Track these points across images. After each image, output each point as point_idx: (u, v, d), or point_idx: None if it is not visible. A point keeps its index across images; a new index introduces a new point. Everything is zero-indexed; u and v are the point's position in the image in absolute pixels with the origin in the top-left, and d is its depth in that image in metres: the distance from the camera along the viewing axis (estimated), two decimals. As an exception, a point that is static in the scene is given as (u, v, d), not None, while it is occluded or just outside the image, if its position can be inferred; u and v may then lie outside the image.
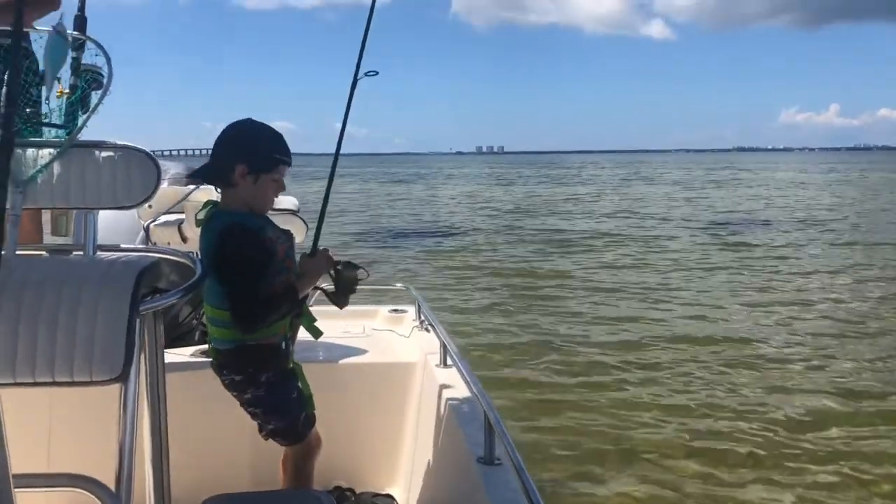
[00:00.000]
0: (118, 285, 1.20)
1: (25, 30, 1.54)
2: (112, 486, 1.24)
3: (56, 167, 1.69)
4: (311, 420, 2.27)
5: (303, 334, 2.36)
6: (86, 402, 2.29)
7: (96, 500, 1.25)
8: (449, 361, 2.72)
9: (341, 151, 2.48)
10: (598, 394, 6.02)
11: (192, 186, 3.08)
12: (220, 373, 2.18)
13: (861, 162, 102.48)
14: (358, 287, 2.35)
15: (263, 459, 2.45)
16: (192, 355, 2.75)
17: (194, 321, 2.90)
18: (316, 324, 2.36)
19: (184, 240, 3.12)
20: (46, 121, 1.71)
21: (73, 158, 1.72)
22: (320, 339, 2.47)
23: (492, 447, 1.98)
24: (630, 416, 5.53)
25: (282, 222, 2.42)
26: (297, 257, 2.23)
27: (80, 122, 1.74)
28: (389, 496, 2.86)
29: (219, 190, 2.17)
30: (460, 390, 2.47)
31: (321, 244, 2.33)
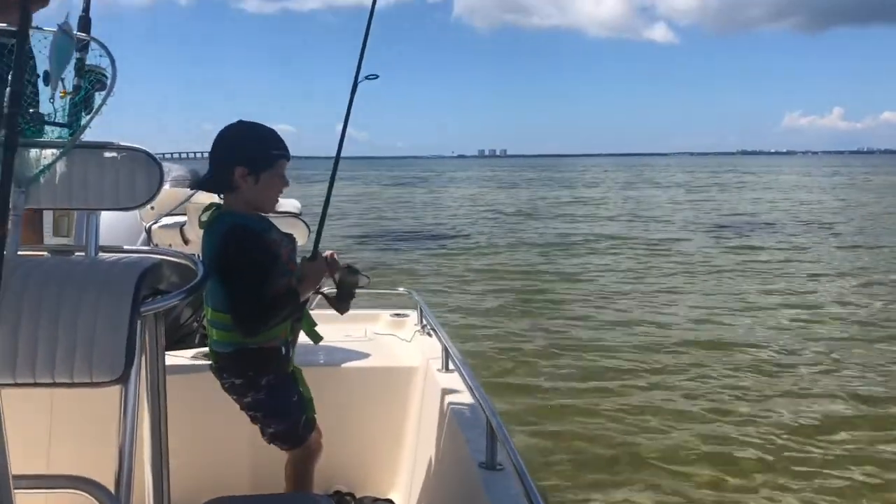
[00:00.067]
0: (119, 286, 1.20)
1: (31, 29, 1.54)
2: (112, 488, 1.23)
3: (59, 168, 1.69)
4: (311, 424, 2.26)
5: (304, 338, 2.35)
6: (86, 404, 2.28)
7: (95, 501, 1.24)
8: (451, 366, 2.71)
9: (342, 154, 2.48)
10: (601, 399, 5.99)
11: (194, 188, 3.08)
12: (220, 376, 2.17)
13: (865, 165, 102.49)
14: (358, 292, 2.35)
15: (263, 463, 2.44)
16: (193, 358, 2.74)
17: (195, 324, 2.90)
18: (317, 328, 2.36)
19: (185, 242, 3.12)
20: (49, 120, 1.71)
21: (75, 159, 1.72)
22: (322, 343, 2.46)
23: (493, 452, 1.97)
24: (634, 421, 5.49)
25: (284, 225, 2.42)
26: (299, 260, 2.24)
27: (83, 122, 1.74)
28: (390, 501, 2.85)
29: (221, 195, 2.17)
30: (462, 395, 2.46)
31: (322, 247, 2.32)
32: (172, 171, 3.14)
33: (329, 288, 2.36)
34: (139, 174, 1.76)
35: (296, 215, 3.14)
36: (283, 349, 2.18)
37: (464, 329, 8.12)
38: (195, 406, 2.28)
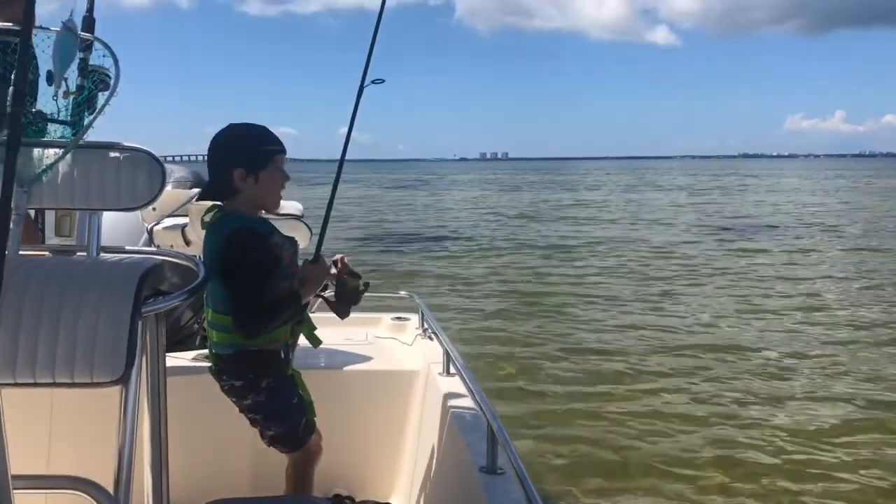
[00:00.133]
0: (121, 287, 1.20)
1: (34, 28, 1.54)
2: (111, 489, 1.23)
3: (61, 167, 1.69)
4: (311, 426, 2.26)
5: (305, 341, 2.35)
6: (86, 404, 2.28)
7: (94, 502, 1.23)
8: (452, 370, 2.70)
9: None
10: (603, 403, 5.96)
11: (196, 189, 3.08)
12: (220, 378, 2.17)
13: (867, 168, 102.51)
14: (359, 297, 2.34)
15: (263, 465, 2.43)
16: (194, 359, 2.74)
17: (196, 325, 2.90)
18: (318, 331, 2.35)
19: (187, 243, 3.11)
20: (52, 118, 1.71)
21: (78, 159, 1.72)
22: (323, 346, 2.46)
23: (494, 456, 1.97)
24: (637, 425, 5.46)
25: (286, 227, 2.42)
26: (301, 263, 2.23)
27: (85, 122, 1.74)
28: (389, 505, 2.84)
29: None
30: (463, 399, 2.45)
31: (324, 249, 2.32)
32: (174, 172, 3.15)
33: (329, 292, 2.36)
34: (141, 175, 1.76)
35: (298, 218, 3.14)
36: (283, 352, 2.18)
37: (465, 332, 8.11)
38: (195, 407, 2.27)
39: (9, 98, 1.05)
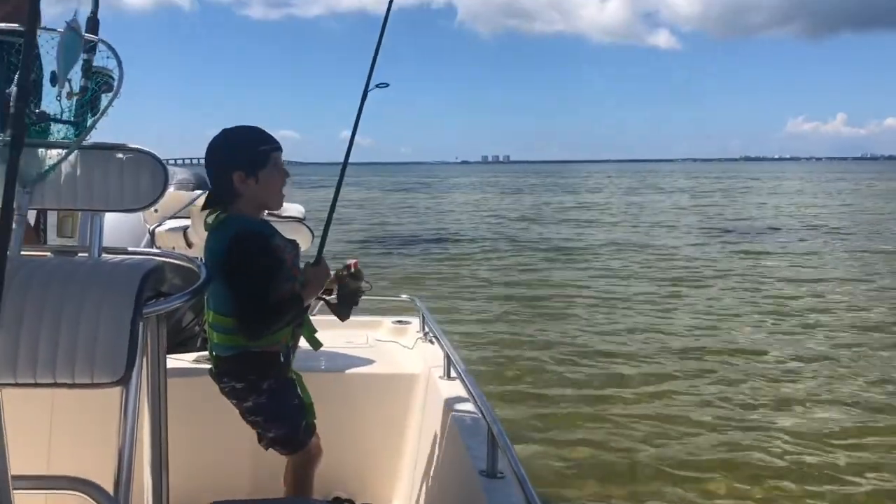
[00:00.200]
0: (122, 287, 1.19)
1: (39, 29, 1.54)
2: (111, 490, 1.22)
3: (64, 168, 1.69)
4: (311, 428, 2.26)
5: (305, 344, 2.34)
6: (87, 405, 2.28)
7: (94, 503, 1.23)
8: (453, 373, 2.70)
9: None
10: (606, 407, 5.93)
11: (198, 191, 3.09)
12: (221, 380, 2.17)
13: (870, 171, 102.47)
14: (361, 299, 2.34)
15: (263, 467, 2.43)
16: (195, 361, 2.74)
17: (196, 327, 2.90)
18: (318, 334, 2.36)
19: (189, 245, 3.12)
20: (55, 118, 1.71)
21: (80, 160, 1.72)
22: (323, 349, 2.46)
23: (494, 460, 1.96)
24: (640, 429, 5.44)
25: (288, 230, 2.42)
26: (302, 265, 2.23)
27: (88, 123, 1.74)
28: (389, 508, 2.84)
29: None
30: (464, 402, 2.45)
31: (326, 252, 2.32)
32: (177, 174, 3.15)
33: (331, 297, 2.36)
34: (144, 176, 1.76)
35: (300, 220, 3.14)
36: (284, 354, 2.18)
37: (467, 335, 8.10)
38: (196, 409, 2.27)
39: (12, 98, 1.05)
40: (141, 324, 1.20)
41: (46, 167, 1.67)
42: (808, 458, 4.97)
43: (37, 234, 2.75)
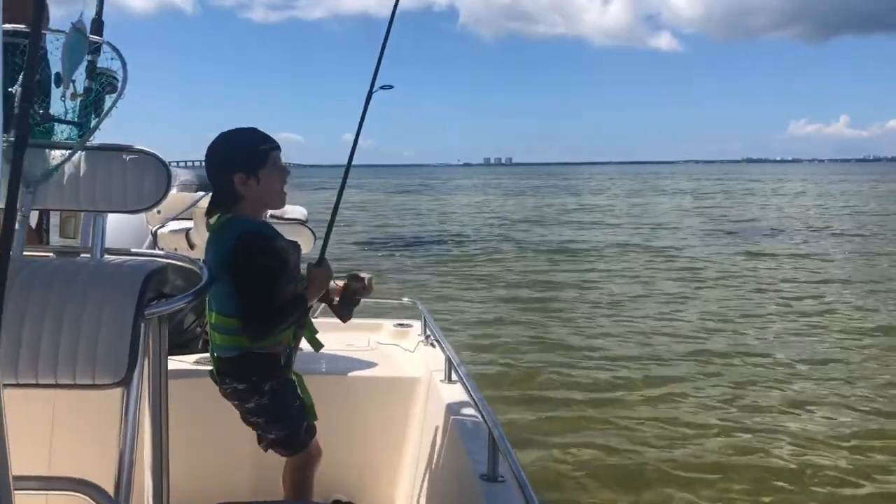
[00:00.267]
0: (124, 288, 1.19)
1: (45, 31, 1.54)
2: (111, 492, 1.22)
3: (67, 169, 1.69)
4: (312, 430, 2.26)
5: (306, 346, 2.34)
6: (88, 406, 2.28)
7: None
8: (454, 377, 2.70)
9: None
10: (609, 411, 5.90)
11: (200, 193, 3.09)
12: (222, 381, 2.17)
13: (873, 173, 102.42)
14: (362, 301, 2.34)
15: (263, 469, 2.43)
16: (196, 363, 2.74)
17: (198, 329, 2.90)
18: (320, 336, 2.36)
19: (191, 246, 3.12)
20: (59, 118, 1.72)
21: (84, 161, 1.72)
22: (324, 352, 2.46)
23: (495, 464, 1.96)
24: (644, 433, 5.41)
25: (290, 232, 2.42)
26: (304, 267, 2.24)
27: (92, 124, 1.74)
28: (390, 511, 2.83)
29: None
30: (465, 406, 2.45)
31: (328, 254, 2.32)
32: (180, 175, 3.15)
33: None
34: (147, 177, 1.77)
35: (302, 222, 3.15)
36: (286, 355, 2.19)
37: (468, 338, 8.08)
38: (197, 411, 2.27)
39: (17, 98, 1.06)
40: (143, 325, 1.20)
41: (50, 168, 1.67)
42: (815, 462, 4.94)
43: (39, 235, 2.76)
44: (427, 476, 2.58)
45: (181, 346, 2.82)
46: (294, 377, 2.25)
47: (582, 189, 53.97)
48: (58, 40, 1.59)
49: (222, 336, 2.11)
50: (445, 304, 10.16)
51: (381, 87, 2.38)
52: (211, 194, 2.19)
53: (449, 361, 2.72)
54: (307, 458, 2.26)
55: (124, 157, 1.75)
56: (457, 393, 2.58)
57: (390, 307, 3.91)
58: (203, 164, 2.16)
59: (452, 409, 2.49)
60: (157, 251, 2.80)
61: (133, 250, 2.12)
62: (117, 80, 1.78)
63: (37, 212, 2.58)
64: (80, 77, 1.69)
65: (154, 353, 1.41)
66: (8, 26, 1.66)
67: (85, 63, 1.69)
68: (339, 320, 2.36)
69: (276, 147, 2.13)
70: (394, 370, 3.03)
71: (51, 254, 1.96)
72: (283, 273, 2.09)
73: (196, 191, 3.15)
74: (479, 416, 2.14)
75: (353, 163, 2.45)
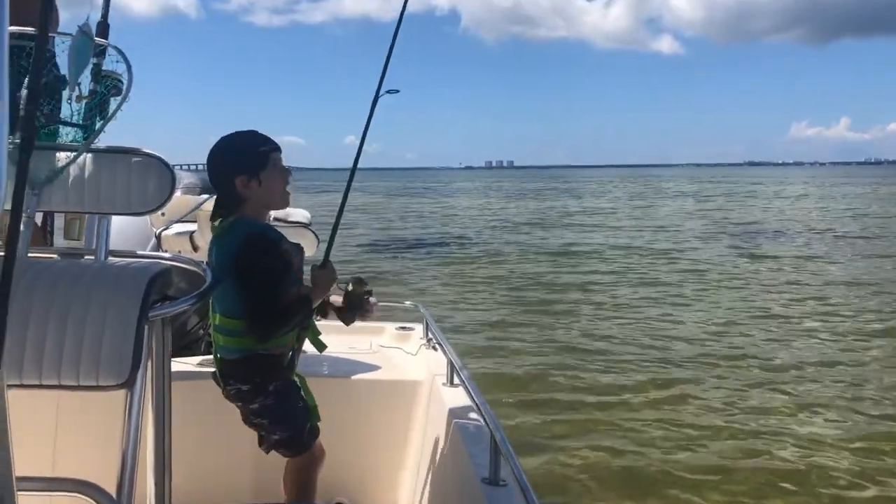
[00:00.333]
0: (128, 290, 1.20)
1: (52, 34, 1.55)
2: (114, 493, 1.22)
3: (72, 171, 1.70)
4: (315, 431, 2.26)
5: (309, 349, 2.35)
6: (91, 408, 2.29)
7: None
8: (456, 380, 2.70)
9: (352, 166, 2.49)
10: (612, 414, 5.87)
11: (204, 196, 3.10)
12: (226, 383, 2.17)
13: (874, 175, 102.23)
14: (364, 304, 2.35)
15: (265, 471, 2.43)
16: (199, 365, 2.74)
17: (201, 331, 2.90)
18: (321, 338, 2.36)
19: (195, 249, 3.13)
20: (64, 121, 1.72)
21: (89, 163, 1.73)
22: (327, 354, 2.46)
23: (497, 468, 1.96)
24: (647, 437, 5.39)
25: (293, 235, 2.43)
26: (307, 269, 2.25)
27: (97, 126, 1.75)
28: (391, 514, 2.83)
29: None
30: (467, 410, 2.45)
31: (331, 256, 2.33)
32: (183, 178, 3.16)
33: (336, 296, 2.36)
34: (151, 180, 1.77)
35: (305, 226, 3.15)
36: (290, 356, 2.19)
37: (470, 341, 8.07)
38: (200, 413, 2.27)
39: (22, 100, 1.06)
40: (146, 327, 1.20)
41: (55, 170, 1.68)
42: (821, 464, 4.92)
43: (44, 237, 2.77)
44: (429, 479, 2.58)
45: (184, 348, 2.82)
46: (297, 379, 2.26)
47: (583, 192, 53.95)
48: (64, 43, 1.60)
49: (226, 338, 2.12)
50: (447, 306, 10.15)
51: (388, 92, 2.39)
52: (215, 197, 2.21)
53: (451, 365, 2.72)
54: (310, 460, 2.26)
55: (129, 159, 1.76)
56: (459, 396, 2.58)
57: (392, 310, 3.91)
58: (205, 167, 2.17)
59: (454, 412, 2.49)
60: (160, 253, 2.81)
61: (137, 252, 2.13)
62: (122, 83, 1.79)
63: (41, 213, 2.59)
64: (85, 80, 1.70)
65: (157, 354, 1.41)
66: (14, 28, 1.67)
67: (90, 65, 1.70)
68: (340, 322, 2.37)
69: (277, 148, 2.14)
70: (396, 373, 3.03)
71: (55, 255, 1.97)
72: (287, 275, 2.09)
73: (200, 193, 3.16)
74: (481, 420, 2.14)
75: (357, 166, 2.46)
